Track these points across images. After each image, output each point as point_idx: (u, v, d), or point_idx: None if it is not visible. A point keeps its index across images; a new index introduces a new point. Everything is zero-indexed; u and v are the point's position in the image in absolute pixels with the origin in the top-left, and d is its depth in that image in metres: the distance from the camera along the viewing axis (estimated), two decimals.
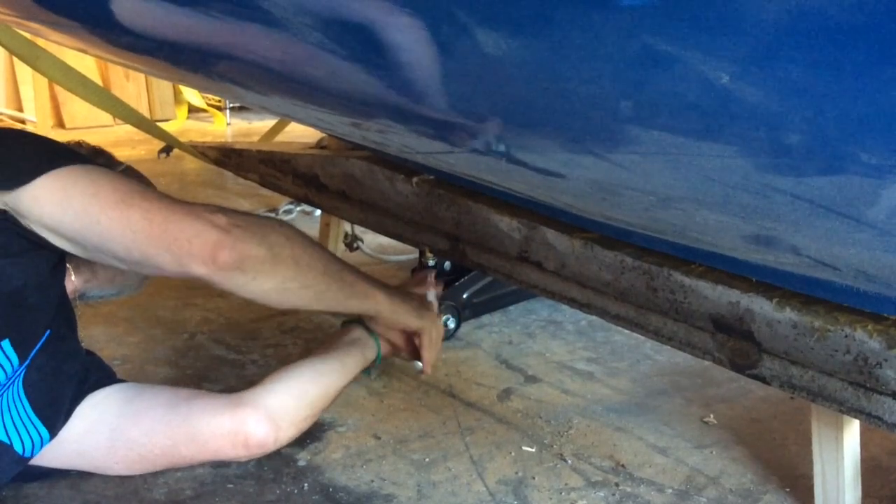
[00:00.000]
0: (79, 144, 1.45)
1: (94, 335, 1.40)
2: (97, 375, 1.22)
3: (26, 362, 1.14)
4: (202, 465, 1.22)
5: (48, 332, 1.17)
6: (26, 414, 1.14)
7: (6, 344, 1.09)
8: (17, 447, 1.13)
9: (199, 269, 1.07)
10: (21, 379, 1.14)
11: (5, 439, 1.12)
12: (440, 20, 0.63)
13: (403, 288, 1.48)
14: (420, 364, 1.43)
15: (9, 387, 1.13)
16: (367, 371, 1.41)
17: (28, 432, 1.14)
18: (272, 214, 2.62)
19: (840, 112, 0.51)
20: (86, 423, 1.18)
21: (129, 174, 1.46)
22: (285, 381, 1.22)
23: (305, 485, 1.23)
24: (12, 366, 1.11)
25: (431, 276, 1.52)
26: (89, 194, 1.06)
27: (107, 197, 1.06)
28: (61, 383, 1.18)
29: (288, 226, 1.19)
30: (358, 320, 1.39)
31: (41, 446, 1.16)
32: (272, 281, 1.12)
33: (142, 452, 1.18)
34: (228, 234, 1.07)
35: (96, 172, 1.09)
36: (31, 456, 1.15)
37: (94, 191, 1.06)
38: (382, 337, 1.39)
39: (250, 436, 1.16)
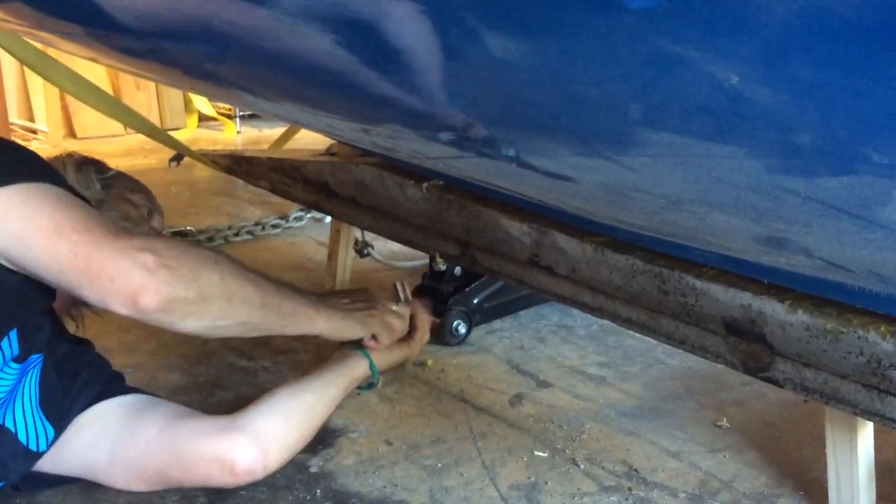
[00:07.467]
0: (69, 156, 1.42)
1: (106, 343, 1.41)
2: (105, 384, 1.22)
3: (41, 355, 1.15)
4: (194, 488, 1.20)
5: (51, 331, 1.18)
6: (31, 407, 1.14)
7: (13, 334, 1.10)
8: (22, 437, 1.13)
9: (120, 310, 1.02)
10: (38, 371, 1.15)
11: (11, 427, 1.13)
12: (451, 23, 0.63)
13: (351, 298, 1.45)
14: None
15: (24, 378, 1.14)
16: (364, 388, 1.46)
17: (35, 426, 1.14)
18: (250, 229, 2.62)
19: (851, 112, 0.50)
20: (90, 435, 1.18)
21: (118, 180, 1.43)
22: (272, 406, 1.21)
23: (318, 491, 1.23)
24: (13, 354, 1.11)
25: (399, 285, 1.56)
26: (26, 217, 1.02)
27: (40, 224, 1.02)
28: (76, 387, 1.19)
29: (226, 260, 1.14)
30: (353, 341, 1.40)
31: (48, 443, 1.16)
32: (201, 321, 1.08)
33: (137, 473, 1.18)
34: (153, 277, 1.01)
35: (42, 196, 1.04)
36: (39, 451, 1.15)
37: (31, 214, 1.02)
38: (380, 351, 1.41)
39: (238, 462, 1.15)
